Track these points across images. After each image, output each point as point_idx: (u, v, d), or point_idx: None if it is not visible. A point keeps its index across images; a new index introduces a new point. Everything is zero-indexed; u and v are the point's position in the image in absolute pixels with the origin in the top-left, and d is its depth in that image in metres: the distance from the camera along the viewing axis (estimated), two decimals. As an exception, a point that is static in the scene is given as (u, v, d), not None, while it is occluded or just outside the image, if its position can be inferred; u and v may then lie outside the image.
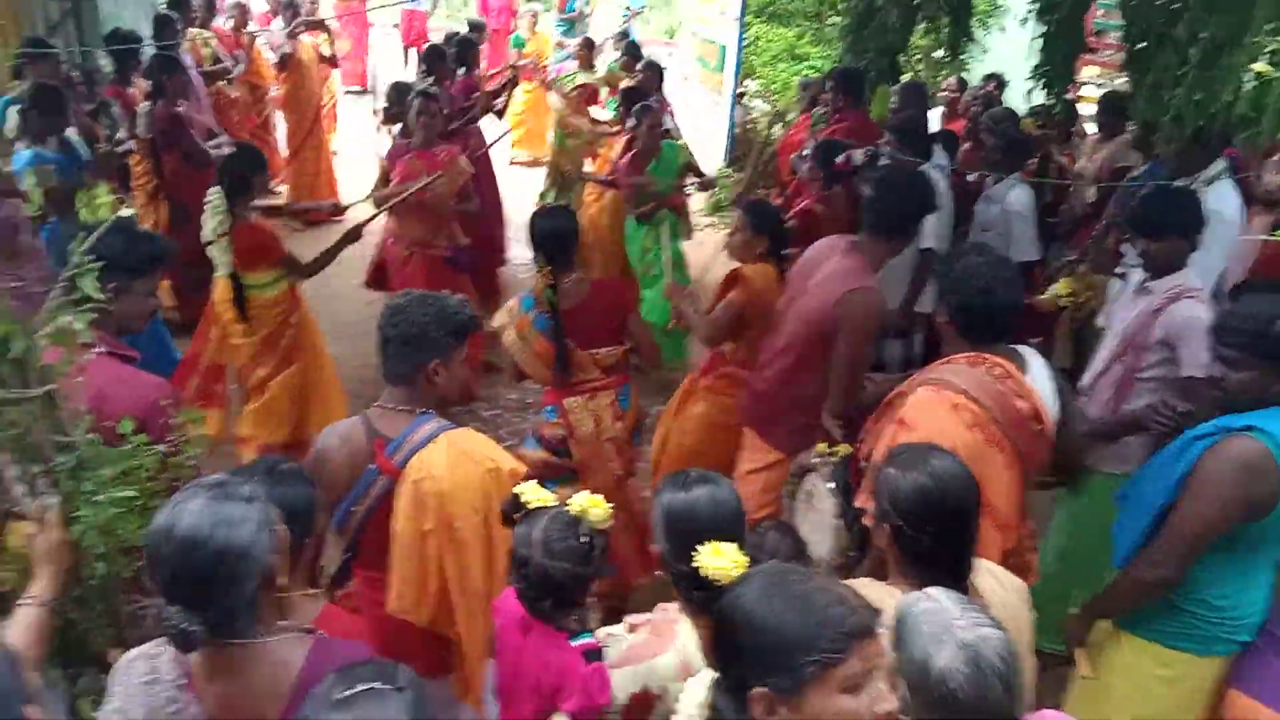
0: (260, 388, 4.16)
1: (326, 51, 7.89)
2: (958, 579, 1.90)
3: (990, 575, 2.03)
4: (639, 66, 7.15)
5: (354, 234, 4.38)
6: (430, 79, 6.02)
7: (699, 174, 5.76)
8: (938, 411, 2.37)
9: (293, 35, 7.47)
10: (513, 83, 7.11)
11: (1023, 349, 2.55)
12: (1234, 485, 2.21)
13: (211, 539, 1.43)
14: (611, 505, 2.03)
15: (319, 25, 7.95)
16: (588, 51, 8.02)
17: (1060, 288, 4.04)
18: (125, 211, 1.91)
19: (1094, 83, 7.81)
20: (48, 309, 1.86)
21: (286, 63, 7.45)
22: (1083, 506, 3.40)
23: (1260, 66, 3.67)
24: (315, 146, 7.74)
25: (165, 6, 7.14)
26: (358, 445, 2.31)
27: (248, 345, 4.07)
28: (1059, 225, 5.30)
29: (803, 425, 3.18)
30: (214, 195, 3.88)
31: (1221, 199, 3.92)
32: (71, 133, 4.70)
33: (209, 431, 4.13)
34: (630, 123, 5.44)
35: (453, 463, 2.22)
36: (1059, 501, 3.55)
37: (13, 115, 4.62)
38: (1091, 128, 6.25)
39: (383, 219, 4.92)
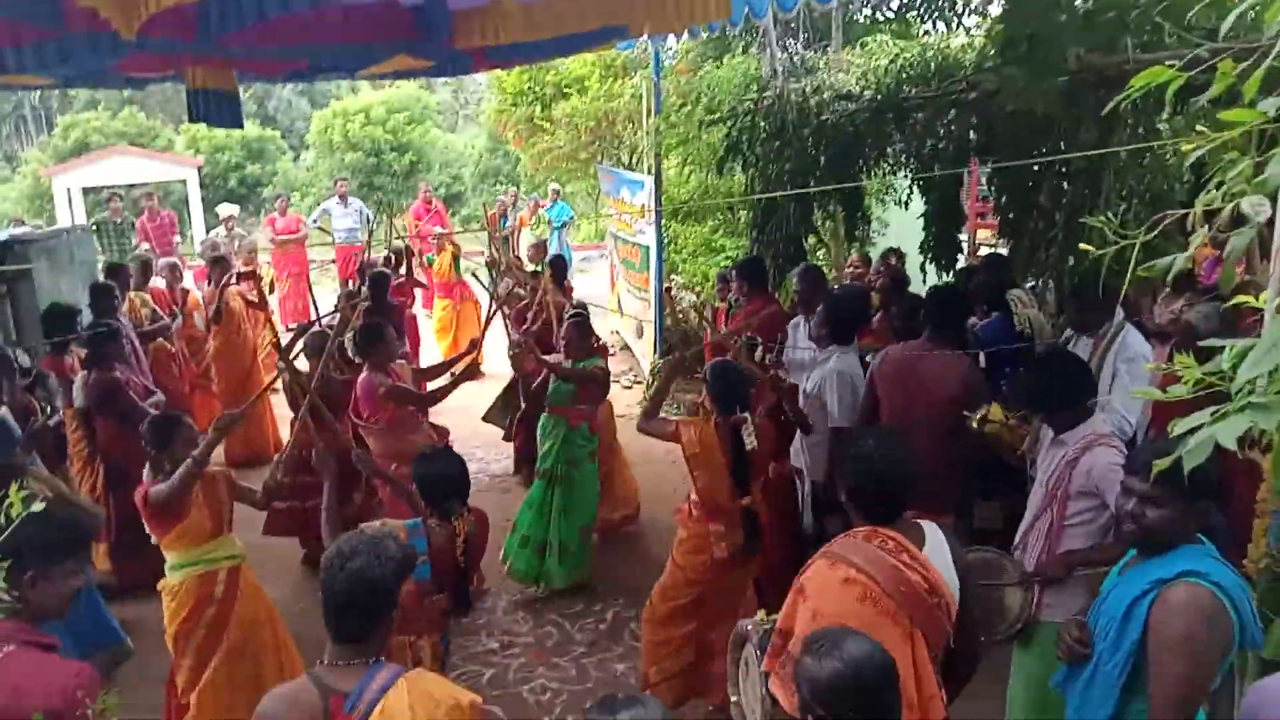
0: (190, 689, 3.79)
1: (254, 299, 8.17)
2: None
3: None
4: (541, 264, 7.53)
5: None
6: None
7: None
8: (831, 584, 2.45)
9: (222, 289, 7.74)
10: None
11: (924, 523, 2.62)
12: (1201, 635, 2.23)
13: None
14: None
15: (249, 276, 8.26)
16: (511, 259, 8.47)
17: (993, 413, 3.96)
18: (36, 506, 1.92)
19: (988, 244, 8.35)
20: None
21: (220, 315, 7.69)
22: (1035, 659, 3.32)
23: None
24: (254, 389, 7.89)
25: (103, 276, 7.41)
26: (309, 709, 2.22)
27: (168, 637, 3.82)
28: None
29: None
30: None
31: (1139, 342, 4.09)
32: (4, 411, 4.76)
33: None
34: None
35: (414, 706, 2.18)
36: (1014, 658, 3.51)
37: (-55, 401, 4.68)
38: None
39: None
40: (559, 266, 7.75)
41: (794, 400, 4.59)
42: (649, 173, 9.29)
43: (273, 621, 3.98)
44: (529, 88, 12.95)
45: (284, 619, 4.13)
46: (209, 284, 7.97)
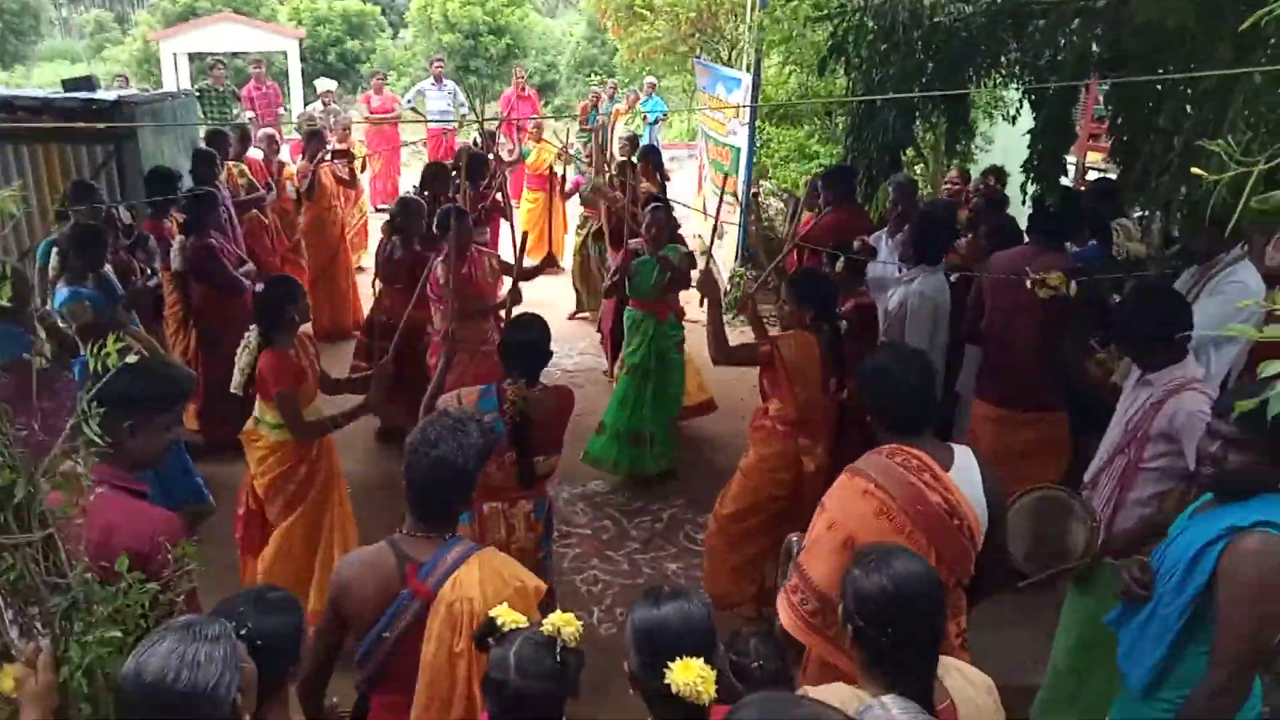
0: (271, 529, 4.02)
1: (345, 176, 8.30)
2: (922, 680, 1.92)
3: (959, 673, 2.05)
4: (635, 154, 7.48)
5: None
6: (426, 194, 6.41)
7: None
8: (849, 497, 2.45)
9: (316, 165, 7.86)
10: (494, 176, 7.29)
11: (956, 447, 2.59)
12: (1272, 586, 2.18)
13: (177, 682, 1.50)
14: None
15: (343, 154, 8.36)
16: (600, 155, 8.35)
17: (1051, 278, 4.00)
18: (131, 358, 2.01)
19: (1097, 168, 7.90)
20: (53, 454, 1.96)
21: (312, 190, 7.84)
22: (1090, 595, 3.28)
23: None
24: (341, 265, 8.10)
25: (204, 143, 7.58)
26: (386, 572, 2.36)
27: (258, 482, 4.00)
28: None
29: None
30: (249, 333, 3.93)
31: (1251, 277, 3.90)
32: (108, 269, 4.97)
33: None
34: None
35: (484, 582, 2.30)
36: (1069, 597, 3.48)
37: (54, 255, 4.91)
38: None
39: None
40: (654, 156, 7.62)
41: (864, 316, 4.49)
42: (747, 70, 8.99)
43: (339, 479, 4.21)
44: (633, -29, 12.56)
45: (358, 490, 4.35)
46: (303, 158, 8.09)
